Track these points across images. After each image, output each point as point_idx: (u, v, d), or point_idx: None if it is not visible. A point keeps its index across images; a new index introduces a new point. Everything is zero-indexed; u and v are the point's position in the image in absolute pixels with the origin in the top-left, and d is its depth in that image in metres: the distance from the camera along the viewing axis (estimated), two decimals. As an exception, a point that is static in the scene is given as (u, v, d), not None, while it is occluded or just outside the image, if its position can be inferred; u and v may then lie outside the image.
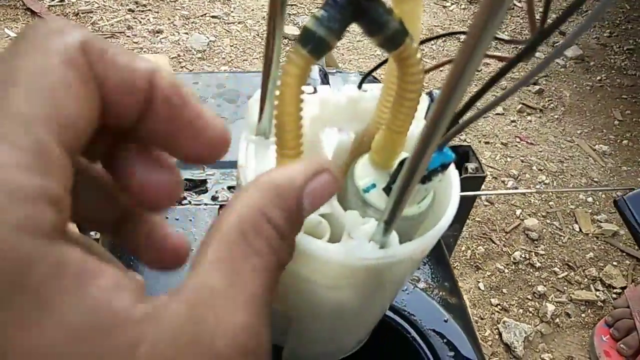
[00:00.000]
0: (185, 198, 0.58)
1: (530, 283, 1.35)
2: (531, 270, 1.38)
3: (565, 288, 1.35)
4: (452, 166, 0.35)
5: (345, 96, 0.36)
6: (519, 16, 2.30)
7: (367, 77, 0.36)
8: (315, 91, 0.36)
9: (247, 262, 0.18)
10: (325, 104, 0.36)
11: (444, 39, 2.09)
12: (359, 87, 0.36)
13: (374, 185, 0.33)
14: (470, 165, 0.67)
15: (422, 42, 0.33)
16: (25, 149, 0.14)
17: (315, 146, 0.36)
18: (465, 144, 0.70)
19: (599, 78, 2.04)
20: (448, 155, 0.31)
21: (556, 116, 1.86)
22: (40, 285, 0.13)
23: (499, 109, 1.83)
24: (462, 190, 0.64)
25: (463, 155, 0.68)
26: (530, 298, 1.32)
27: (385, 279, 0.34)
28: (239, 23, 2.05)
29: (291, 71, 0.26)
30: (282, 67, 0.27)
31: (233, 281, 0.17)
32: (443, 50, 2.06)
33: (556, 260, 1.41)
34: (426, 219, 0.35)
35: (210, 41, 1.94)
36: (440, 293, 0.55)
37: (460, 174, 0.67)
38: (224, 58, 1.89)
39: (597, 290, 1.35)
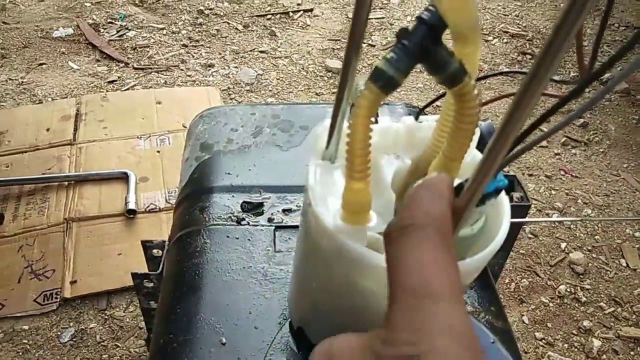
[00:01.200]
0: (244, 219, 0.62)
1: (575, 318, 1.33)
2: (576, 304, 1.36)
3: (612, 324, 1.32)
4: (503, 193, 0.38)
5: (404, 126, 0.40)
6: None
7: (424, 109, 0.40)
8: (376, 122, 0.40)
9: None
10: (385, 133, 0.40)
11: (486, 73, 2.12)
12: (416, 118, 0.40)
13: (429, 207, 0.36)
14: (516, 195, 0.70)
15: (478, 80, 0.37)
16: None
17: (375, 171, 0.39)
18: (510, 174, 0.73)
19: (645, 112, 2.01)
20: (502, 181, 0.34)
21: (601, 150, 1.84)
22: None
23: (543, 142, 1.83)
24: (508, 218, 0.66)
25: (508, 185, 0.70)
26: (576, 333, 1.30)
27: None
28: (285, 57, 2.13)
29: (363, 104, 0.30)
30: (354, 101, 0.31)
31: None
32: (485, 83, 2.08)
33: (602, 296, 1.38)
34: (478, 241, 0.38)
35: (258, 74, 2.03)
36: (487, 317, 0.56)
37: (506, 203, 0.69)
38: (270, 90, 1.97)
39: (646, 327, 1.31)
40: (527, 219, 0.65)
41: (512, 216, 0.73)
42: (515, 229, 0.70)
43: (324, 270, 0.39)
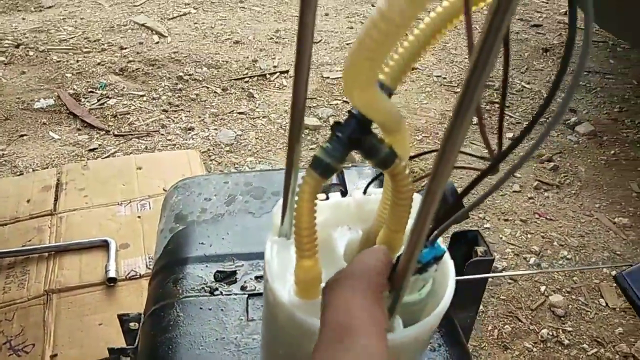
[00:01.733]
0: (217, 289, 0.64)
1: (560, 362, 1.34)
2: (560, 347, 1.37)
3: (596, 366, 1.33)
4: (448, 257, 0.40)
5: (353, 200, 0.43)
6: (528, 97, 2.40)
7: (371, 184, 0.43)
8: (327, 198, 0.43)
9: None
10: (337, 207, 0.43)
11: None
12: (364, 192, 0.43)
13: (379, 276, 0.39)
14: (480, 249, 0.72)
15: (412, 158, 0.40)
16: None
17: (329, 243, 0.42)
18: (474, 228, 0.76)
19: (612, 152, 2.09)
20: (439, 250, 0.37)
21: (573, 191, 1.89)
22: None
23: (516, 187, 1.88)
24: (472, 273, 0.69)
25: (472, 239, 0.73)
26: (562, 378, 1.30)
27: (399, 358, 0.39)
28: (263, 117, 2.20)
29: (306, 190, 0.33)
30: (298, 186, 0.34)
31: None
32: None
33: (584, 337, 1.39)
34: (429, 303, 0.40)
35: (237, 135, 2.08)
36: (456, 373, 0.58)
37: (470, 257, 0.71)
38: (249, 150, 2.02)
39: (630, 367, 1.32)
40: (489, 274, 0.68)
41: (478, 270, 0.75)
42: (481, 283, 0.72)
43: (285, 339, 0.41)
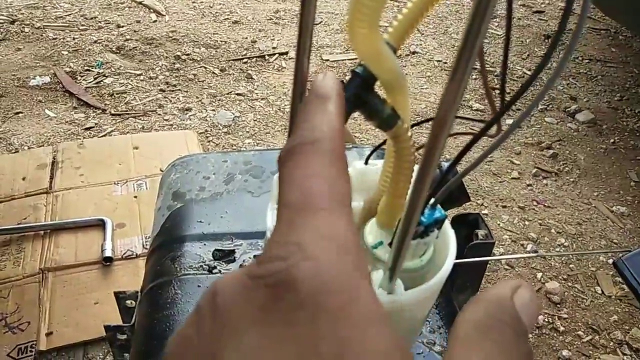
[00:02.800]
0: (215, 267, 0.63)
1: (554, 347, 1.34)
2: (555, 334, 1.37)
3: (590, 352, 1.33)
4: (448, 225, 0.40)
5: (354, 170, 0.42)
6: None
7: (373, 153, 0.42)
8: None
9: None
10: (338, 178, 0.42)
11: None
12: (366, 162, 0.42)
13: (381, 243, 0.38)
14: (480, 232, 0.72)
15: (414, 125, 0.39)
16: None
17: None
18: (474, 212, 0.75)
19: (612, 141, 2.08)
20: (440, 213, 0.36)
21: (572, 179, 1.89)
22: None
23: (515, 174, 1.87)
24: (472, 256, 0.68)
25: (473, 223, 0.73)
26: (556, 363, 1.31)
27: (396, 324, 0.39)
28: (262, 99, 2.18)
29: (308, 151, 0.33)
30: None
31: None
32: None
33: (580, 324, 1.39)
34: (430, 271, 0.39)
35: (235, 117, 2.07)
36: (454, 352, 0.57)
37: (471, 241, 0.71)
38: (248, 132, 2.00)
39: (624, 354, 1.33)
40: (490, 257, 0.67)
41: (478, 254, 0.75)
42: (481, 266, 0.72)
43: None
